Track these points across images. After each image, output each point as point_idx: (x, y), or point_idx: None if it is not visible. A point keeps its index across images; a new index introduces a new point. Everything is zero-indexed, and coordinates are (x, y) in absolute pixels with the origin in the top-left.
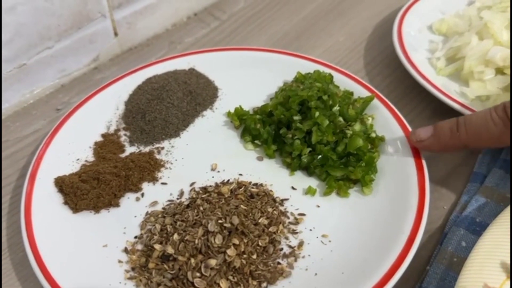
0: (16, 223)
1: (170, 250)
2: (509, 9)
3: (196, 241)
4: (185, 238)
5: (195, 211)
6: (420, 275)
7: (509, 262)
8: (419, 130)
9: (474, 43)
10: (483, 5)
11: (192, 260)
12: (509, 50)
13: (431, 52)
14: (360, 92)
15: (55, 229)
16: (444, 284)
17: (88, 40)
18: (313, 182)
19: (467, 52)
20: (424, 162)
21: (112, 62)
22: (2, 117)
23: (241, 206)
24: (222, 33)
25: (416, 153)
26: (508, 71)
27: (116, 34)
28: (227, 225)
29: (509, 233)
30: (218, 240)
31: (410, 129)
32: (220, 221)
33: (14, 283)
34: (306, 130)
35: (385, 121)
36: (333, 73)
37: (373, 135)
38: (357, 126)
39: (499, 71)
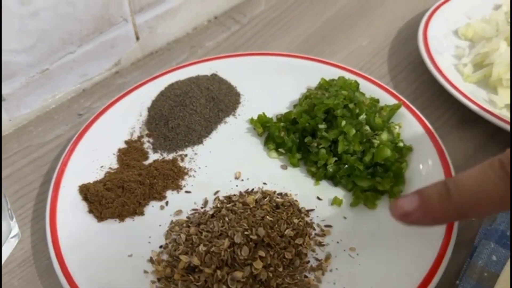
0: (40, 231)
1: (196, 261)
2: None
3: (222, 253)
4: (211, 250)
5: (221, 221)
6: None
7: None
8: (402, 202)
9: (502, 49)
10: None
11: (219, 272)
12: None
13: (457, 58)
14: (386, 99)
15: (80, 238)
16: None
17: (109, 45)
18: (339, 193)
19: (496, 58)
20: (453, 173)
21: (133, 66)
22: (25, 122)
23: (267, 217)
24: (243, 36)
25: (445, 163)
26: None
27: (137, 38)
28: (253, 237)
29: None
30: (244, 252)
31: (438, 138)
32: (246, 233)
33: None
34: (332, 139)
35: (413, 129)
36: (358, 79)
37: (401, 144)
38: (384, 135)
39: None
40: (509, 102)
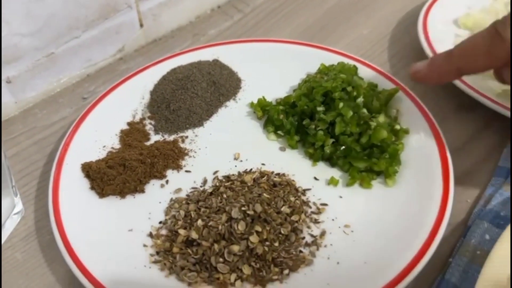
0: (43, 208)
1: (194, 235)
2: None
3: (220, 227)
4: (209, 224)
5: (219, 198)
6: (443, 267)
7: None
8: (416, 64)
9: None
10: None
11: (216, 246)
12: None
13: None
14: (385, 84)
15: (82, 213)
16: (467, 277)
17: (114, 31)
18: (335, 173)
19: None
20: (449, 155)
21: (137, 53)
22: (30, 104)
23: (264, 194)
24: (245, 25)
25: (441, 146)
26: None
27: (141, 25)
28: (250, 212)
29: None
30: (241, 226)
31: (435, 122)
32: (243, 208)
33: (41, 264)
34: (330, 121)
35: (410, 113)
36: (358, 65)
37: (398, 127)
38: (382, 118)
39: None
40: (506, 87)
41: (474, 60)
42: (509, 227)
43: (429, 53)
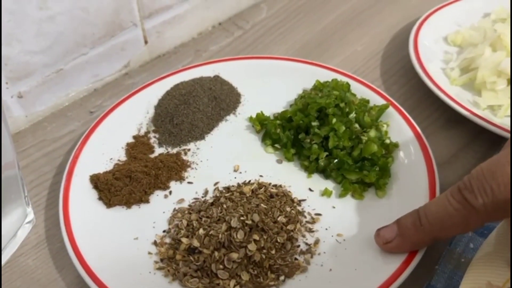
0: (53, 217)
1: (196, 243)
2: None
3: (220, 236)
4: (210, 233)
5: (219, 208)
6: (430, 274)
7: None
8: (383, 231)
9: (487, 54)
10: (498, 17)
11: (216, 253)
12: None
13: (445, 63)
14: (376, 100)
15: (91, 222)
16: (451, 283)
17: (120, 48)
18: (329, 185)
19: (481, 63)
20: (435, 168)
21: (142, 68)
22: (40, 118)
23: (262, 205)
24: (245, 42)
25: (428, 159)
26: None
27: (146, 42)
28: (249, 222)
29: None
30: (240, 235)
31: (423, 136)
32: (242, 218)
33: (52, 271)
34: (324, 136)
35: (400, 128)
36: (350, 81)
37: (388, 141)
38: (372, 133)
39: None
40: (491, 103)
41: (450, 230)
42: (490, 236)
43: (419, 70)
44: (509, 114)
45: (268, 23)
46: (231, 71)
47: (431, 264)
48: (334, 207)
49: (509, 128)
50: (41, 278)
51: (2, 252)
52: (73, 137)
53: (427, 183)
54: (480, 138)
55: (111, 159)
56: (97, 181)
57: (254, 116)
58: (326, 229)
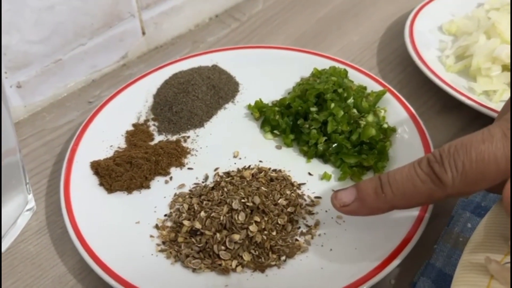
0: (54, 204)
1: (197, 225)
2: None
3: (221, 218)
4: (211, 215)
5: (220, 192)
6: (428, 253)
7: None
8: (341, 194)
9: (482, 41)
10: (492, 6)
11: (218, 235)
12: None
13: (441, 51)
14: (374, 87)
15: (92, 207)
16: (450, 261)
17: (118, 39)
18: (328, 169)
19: (475, 50)
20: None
21: (139, 59)
22: (38, 108)
23: (262, 188)
24: (241, 33)
25: (426, 143)
26: None
27: (144, 33)
28: (250, 204)
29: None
30: (241, 217)
31: (420, 121)
32: (243, 200)
33: (53, 257)
34: (322, 121)
35: (397, 113)
36: (348, 69)
37: (385, 126)
38: (370, 118)
39: (505, 67)
40: (487, 89)
41: (412, 201)
42: (487, 214)
43: (415, 57)
44: (504, 99)
45: (265, 15)
46: (229, 61)
47: (430, 243)
48: (333, 190)
49: None
50: (42, 263)
51: (2, 239)
52: (72, 127)
53: None
54: (476, 123)
55: (111, 146)
56: (97, 167)
57: (252, 103)
58: (326, 211)
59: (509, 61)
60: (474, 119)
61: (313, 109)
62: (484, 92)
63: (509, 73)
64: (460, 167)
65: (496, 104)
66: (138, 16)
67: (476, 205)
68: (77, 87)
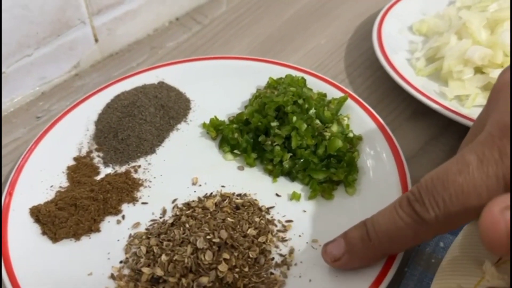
0: None
1: (159, 272)
2: (488, 8)
3: (186, 260)
4: (174, 258)
5: (181, 229)
6: (398, 278)
7: (484, 260)
8: (330, 247)
9: (453, 42)
10: (463, 4)
11: (184, 280)
12: (487, 49)
13: (411, 53)
14: (334, 93)
15: (36, 262)
16: (421, 286)
17: (68, 47)
18: (297, 187)
19: (446, 52)
20: (403, 159)
21: (93, 68)
22: None
23: (228, 219)
24: (204, 37)
25: (395, 151)
26: (487, 70)
27: (96, 40)
28: (216, 240)
29: None
30: (208, 256)
31: (387, 128)
32: (208, 237)
33: None
34: (285, 136)
35: (361, 119)
36: (306, 76)
37: (351, 134)
38: (334, 127)
39: (478, 70)
40: (459, 93)
41: (400, 245)
42: (460, 235)
43: (383, 61)
44: (477, 104)
45: (228, 17)
46: (176, 76)
47: (400, 266)
48: (305, 211)
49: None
50: None
51: None
52: (18, 145)
53: (397, 175)
54: (449, 130)
55: (52, 186)
56: (38, 214)
57: (207, 122)
58: (300, 236)
59: (481, 63)
60: (447, 126)
61: (274, 123)
62: (456, 97)
63: (482, 76)
64: (441, 204)
65: (469, 110)
66: (89, 22)
67: None
68: (25, 101)
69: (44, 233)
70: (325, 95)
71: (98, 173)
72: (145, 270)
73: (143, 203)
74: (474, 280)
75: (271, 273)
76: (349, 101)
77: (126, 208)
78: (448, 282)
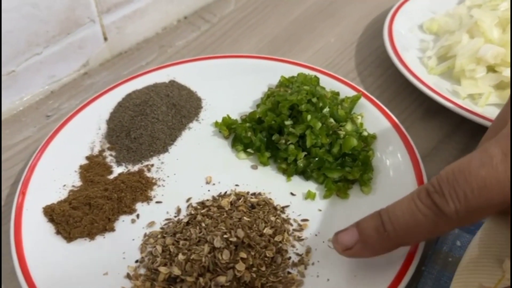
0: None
1: (176, 271)
2: (499, 7)
3: (203, 259)
4: (191, 257)
5: (197, 228)
6: (416, 276)
7: (505, 259)
8: (342, 236)
9: (465, 41)
10: (473, 3)
11: (201, 280)
12: (500, 48)
13: (422, 52)
14: (346, 92)
15: (51, 262)
16: (439, 285)
17: (77, 46)
18: (311, 186)
19: (458, 50)
20: (418, 156)
21: (102, 67)
22: None
23: (244, 218)
24: (212, 36)
25: (410, 148)
26: (499, 69)
27: (105, 39)
28: (233, 239)
29: (504, 229)
30: (225, 255)
31: (401, 126)
32: (225, 236)
33: None
34: (299, 134)
35: (374, 118)
36: (318, 74)
37: (365, 133)
38: (349, 126)
39: (490, 68)
40: (471, 92)
41: (417, 237)
42: (478, 233)
43: (395, 59)
44: (490, 103)
45: (237, 16)
46: (187, 75)
47: (417, 265)
48: (320, 210)
49: (491, 117)
50: None
51: None
52: (29, 144)
53: (413, 174)
54: (461, 129)
55: (64, 185)
56: (52, 213)
57: (219, 120)
58: (316, 235)
59: (494, 61)
60: (459, 124)
61: (288, 122)
62: (469, 95)
63: (494, 75)
64: (462, 197)
65: (482, 108)
66: (99, 21)
67: None
68: (34, 100)
69: (58, 232)
70: (338, 93)
71: (111, 172)
72: (162, 269)
73: (157, 202)
74: (494, 279)
75: (289, 272)
76: (362, 99)
77: (140, 207)
78: (468, 281)
